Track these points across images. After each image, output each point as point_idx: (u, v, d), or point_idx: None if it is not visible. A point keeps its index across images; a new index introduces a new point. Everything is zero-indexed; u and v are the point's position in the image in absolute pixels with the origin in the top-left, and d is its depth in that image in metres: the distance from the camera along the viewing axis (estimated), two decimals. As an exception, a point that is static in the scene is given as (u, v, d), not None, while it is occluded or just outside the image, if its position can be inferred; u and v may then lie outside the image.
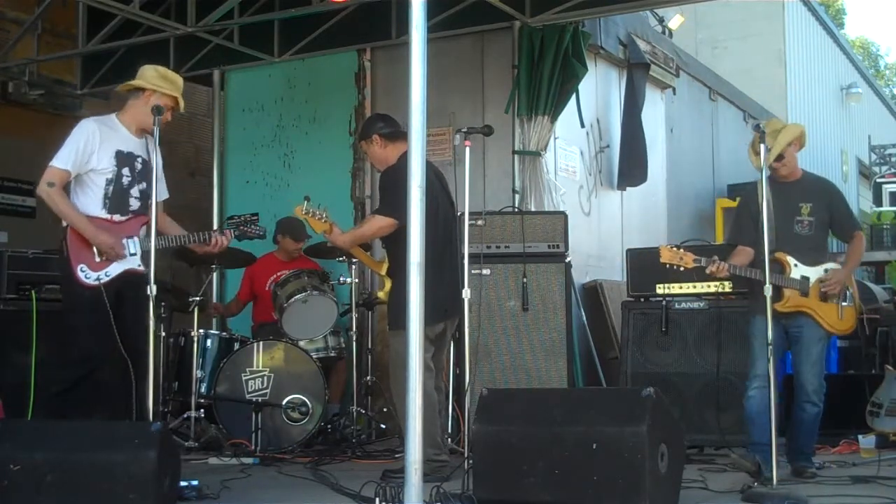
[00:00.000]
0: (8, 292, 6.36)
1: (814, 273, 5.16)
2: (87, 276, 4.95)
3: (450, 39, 7.56)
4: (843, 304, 5.23)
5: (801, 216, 5.21)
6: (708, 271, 5.03)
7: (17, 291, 6.31)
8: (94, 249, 4.97)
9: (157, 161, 4.91)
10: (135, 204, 5.10)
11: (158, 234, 5.03)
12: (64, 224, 5.03)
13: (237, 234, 5.37)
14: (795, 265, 5.13)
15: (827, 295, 5.15)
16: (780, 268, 5.12)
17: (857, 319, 5.36)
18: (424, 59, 3.91)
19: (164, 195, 5.31)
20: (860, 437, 6.17)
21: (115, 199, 5.04)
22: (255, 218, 6.44)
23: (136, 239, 5.08)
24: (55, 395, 5.02)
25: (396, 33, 7.76)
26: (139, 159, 5.13)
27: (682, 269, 5.07)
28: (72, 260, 4.95)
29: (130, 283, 5.03)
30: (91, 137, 5.00)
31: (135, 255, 5.07)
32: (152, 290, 4.70)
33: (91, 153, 4.98)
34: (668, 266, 5.09)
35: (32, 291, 6.23)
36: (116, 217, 5.04)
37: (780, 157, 5.17)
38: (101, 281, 4.93)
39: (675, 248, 5.12)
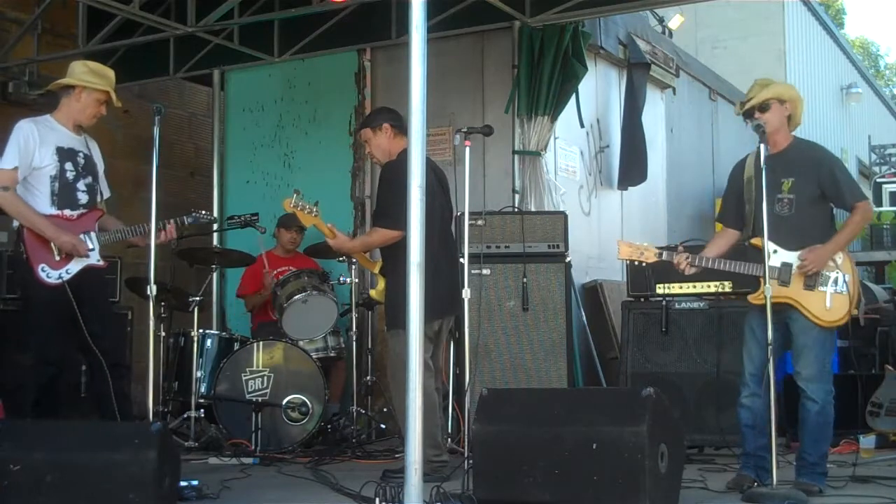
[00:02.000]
0: (8, 292, 6.35)
1: (796, 259, 4.63)
2: (49, 275, 4.95)
3: (450, 39, 7.56)
4: (832, 290, 4.59)
5: (781, 193, 4.65)
6: (675, 261, 4.71)
7: (17, 291, 6.30)
8: (53, 248, 4.96)
9: (155, 161, 4.88)
10: (83, 198, 5.10)
11: (101, 230, 5.13)
12: (15, 225, 5.03)
13: (190, 221, 5.33)
14: (775, 251, 4.59)
15: (805, 276, 4.58)
16: (759, 255, 4.60)
17: (850, 310, 4.63)
18: (424, 59, 3.91)
19: (107, 193, 5.35)
20: (860, 437, 6.17)
21: (63, 194, 5.04)
22: (255, 217, 6.46)
23: (92, 234, 5.09)
24: (32, 406, 4.98)
25: (396, 33, 7.76)
26: (81, 154, 5.15)
27: (643, 263, 4.76)
28: (31, 260, 4.95)
29: (90, 279, 5.04)
30: (30, 135, 5.00)
31: (93, 250, 5.08)
32: (152, 290, 4.69)
33: (33, 151, 4.98)
34: (629, 262, 4.81)
35: (32, 292, 6.22)
36: (67, 212, 5.04)
37: (763, 108, 4.67)
38: (63, 279, 4.94)
39: (634, 244, 4.77)
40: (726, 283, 6.12)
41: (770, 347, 4.48)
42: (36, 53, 8.58)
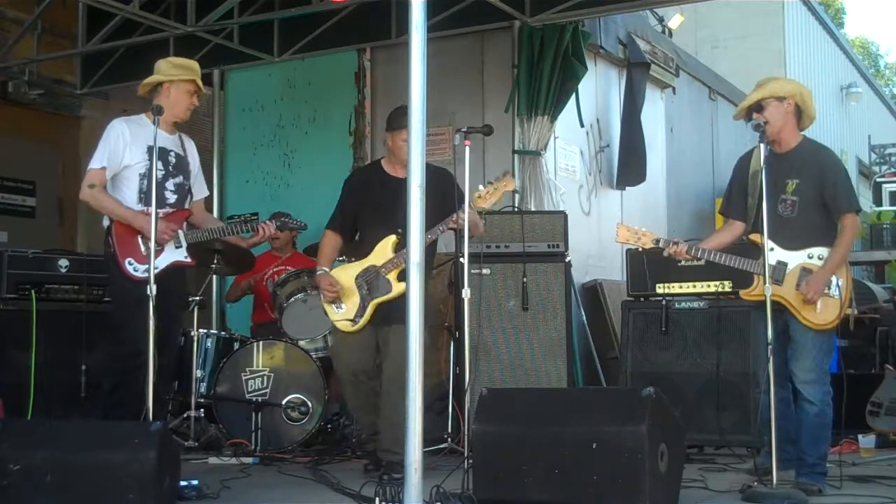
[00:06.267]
0: (8, 292, 6.36)
1: (794, 259, 4.61)
2: (136, 269, 4.99)
3: (450, 39, 7.56)
4: (825, 293, 4.57)
5: (786, 194, 4.62)
6: (666, 254, 4.67)
7: (17, 291, 6.31)
8: (140, 243, 4.99)
9: (155, 160, 4.88)
10: (171, 197, 5.14)
11: (198, 228, 5.23)
12: (105, 224, 5.07)
13: (278, 226, 5.43)
14: (772, 249, 4.53)
15: (798, 278, 4.56)
16: (756, 251, 4.61)
17: (841, 313, 4.63)
18: (424, 59, 3.91)
19: (205, 193, 5.45)
20: (860, 437, 6.17)
21: (150, 192, 5.03)
22: (256, 217, 6.46)
23: (179, 232, 5.12)
24: (108, 392, 5.05)
25: (396, 33, 7.76)
26: (172, 153, 5.20)
27: (640, 249, 4.73)
28: (119, 255, 4.99)
29: (173, 276, 5.06)
30: (121, 135, 5.08)
31: (180, 247, 5.11)
32: (152, 290, 4.69)
33: (123, 150, 5.05)
34: (626, 245, 4.80)
35: (32, 291, 6.24)
36: None
37: (759, 108, 4.57)
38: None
39: (633, 228, 4.73)
40: (726, 282, 6.10)
41: (770, 347, 4.45)
42: (36, 53, 8.59)
